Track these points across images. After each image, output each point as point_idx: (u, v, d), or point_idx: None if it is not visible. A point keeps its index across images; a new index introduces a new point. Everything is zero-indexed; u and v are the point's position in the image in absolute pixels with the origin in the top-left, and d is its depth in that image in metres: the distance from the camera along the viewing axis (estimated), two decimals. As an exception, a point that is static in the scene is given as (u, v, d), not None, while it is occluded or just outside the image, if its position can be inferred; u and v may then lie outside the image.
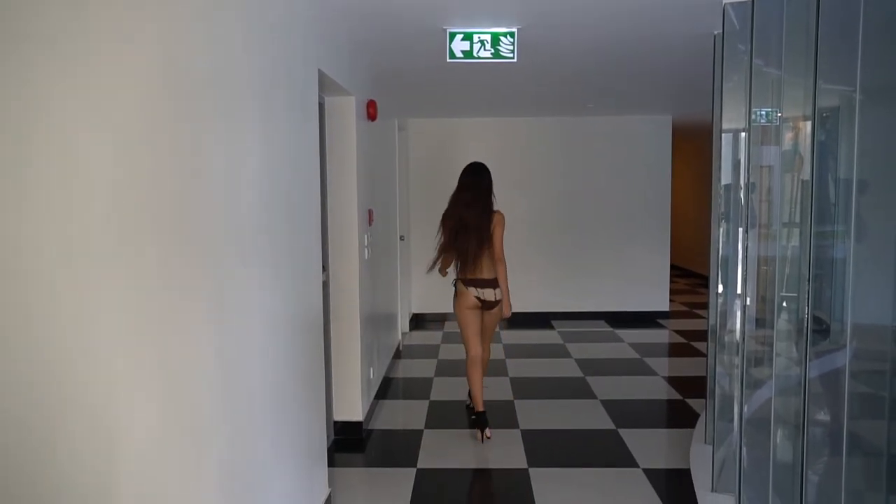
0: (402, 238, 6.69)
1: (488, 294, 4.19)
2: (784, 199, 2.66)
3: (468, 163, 4.36)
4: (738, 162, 3.19)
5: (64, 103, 1.20)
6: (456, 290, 4.27)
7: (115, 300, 1.35)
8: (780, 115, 2.60)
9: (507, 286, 4.25)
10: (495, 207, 4.21)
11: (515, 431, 4.16)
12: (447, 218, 4.19)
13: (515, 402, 4.76)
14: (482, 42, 3.63)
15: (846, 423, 2.09)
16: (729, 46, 3.07)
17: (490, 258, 4.16)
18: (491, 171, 4.35)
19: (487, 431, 4.03)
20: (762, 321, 2.83)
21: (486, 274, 4.17)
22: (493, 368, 5.70)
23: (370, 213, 4.54)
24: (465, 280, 4.19)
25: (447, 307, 7.55)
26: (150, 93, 1.50)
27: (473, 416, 4.18)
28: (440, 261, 4.27)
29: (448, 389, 5.14)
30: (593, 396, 4.85)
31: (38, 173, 1.15)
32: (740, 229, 3.04)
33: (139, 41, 1.46)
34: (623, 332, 7.04)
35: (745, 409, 2.74)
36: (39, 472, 1.17)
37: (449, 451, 3.94)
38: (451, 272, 4.36)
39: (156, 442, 1.51)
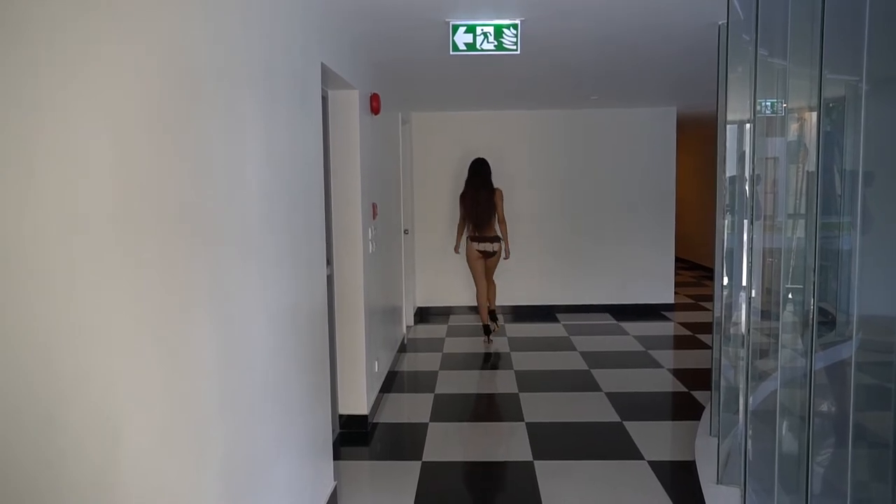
0: (406, 232, 6.69)
1: (488, 247, 6.25)
2: (789, 190, 2.64)
3: (474, 158, 6.45)
4: (743, 153, 3.17)
5: (65, 100, 1.20)
6: (468, 246, 6.31)
7: (116, 293, 1.36)
8: (785, 105, 2.58)
9: (507, 237, 6.37)
10: (495, 185, 6.38)
11: (520, 424, 4.17)
12: (465, 197, 6.33)
13: (520, 395, 4.76)
14: (485, 34, 3.61)
15: (852, 415, 2.08)
16: (733, 37, 3.05)
17: (492, 223, 6.25)
18: (495, 164, 6.59)
19: (491, 337, 6.36)
20: (767, 313, 2.82)
21: (488, 233, 6.23)
22: (499, 362, 5.71)
23: (374, 206, 4.53)
24: (474, 237, 6.26)
25: (452, 301, 7.65)
26: (152, 88, 1.50)
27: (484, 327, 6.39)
28: (459, 227, 6.48)
29: (453, 383, 5.15)
30: (598, 389, 4.85)
31: (38, 166, 1.15)
32: (745, 221, 3.03)
33: (140, 36, 1.45)
34: (628, 325, 7.04)
35: (751, 401, 2.74)
36: (40, 467, 1.17)
37: (454, 444, 3.96)
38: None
39: (157, 436, 1.51)
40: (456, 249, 6.63)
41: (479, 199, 6.19)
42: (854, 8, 1.98)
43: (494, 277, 6.65)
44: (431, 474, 3.49)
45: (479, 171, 6.29)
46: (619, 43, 4.21)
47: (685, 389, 4.88)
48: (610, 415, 4.31)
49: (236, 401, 1.95)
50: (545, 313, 7.63)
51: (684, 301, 8.33)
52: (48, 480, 1.19)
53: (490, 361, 5.84)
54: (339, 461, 3.64)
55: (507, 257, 6.41)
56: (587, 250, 7.72)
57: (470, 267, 6.40)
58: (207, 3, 1.81)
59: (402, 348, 6.14)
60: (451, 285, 7.67)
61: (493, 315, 6.52)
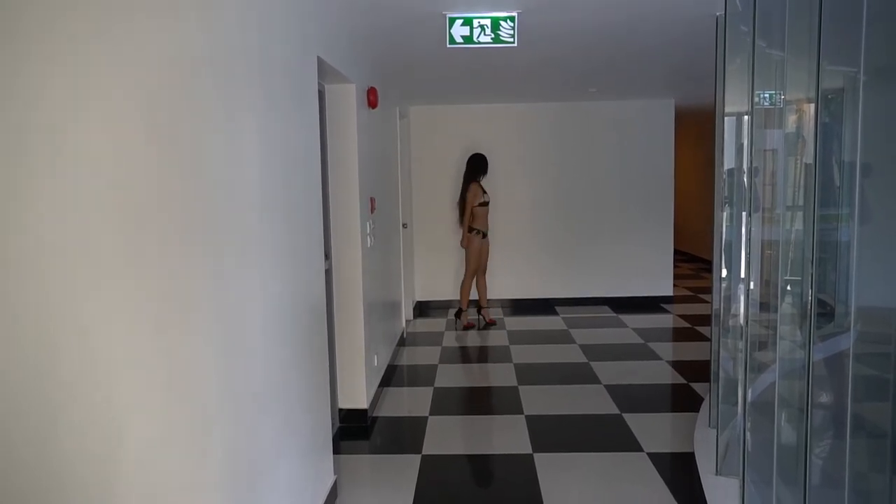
0: (404, 226, 6.69)
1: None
2: (788, 182, 2.64)
3: (476, 153, 6.80)
4: (742, 145, 3.17)
5: (63, 97, 1.20)
6: (478, 238, 6.74)
7: (116, 292, 1.35)
8: (783, 97, 2.57)
9: (464, 230, 6.70)
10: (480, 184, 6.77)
11: (520, 417, 4.18)
12: (478, 190, 6.73)
13: (520, 387, 4.77)
14: (482, 27, 3.60)
15: (850, 406, 2.08)
16: (731, 28, 3.03)
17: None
18: (493, 157, 7.05)
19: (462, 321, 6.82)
20: (766, 305, 2.82)
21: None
22: (498, 355, 5.72)
23: (372, 200, 4.53)
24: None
25: (451, 294, 7.64)
26: (149, 84, 1.49)
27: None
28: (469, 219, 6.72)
29: (452, 376, 5.15)
30: (597, 381, 4.86)
31: (38, 165, 1.15)
32: (744, 213, 3.02)
33: (136, 31, 1.45)
34: (627, 318, 7.05)
35: (749, 392, 2.74)
36: (43, 463, 1.17)
37: (453, 437, 3.96)
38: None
39: (159, 432, 1.51)
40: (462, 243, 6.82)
41: (464, 192, 6.68)
42: (852, -2, 1.97)
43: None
44: (431, 467, 3.50)
45: (481, 166, 6.68)
46: (616, 34, 4.19)
47: (684, 381, 4.89)
48: (609, 407, 4.32)
49: (237, 397, 1.96)
50: (544, 306, 7.63)
51: (683, 293, 8.34)
52: (51, 476, 1.19)
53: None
54: (339, 455, 3.65)
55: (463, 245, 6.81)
56: (586, 243, 7.71)
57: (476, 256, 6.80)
58: (203, -4, 1.80)
59: (402, 342, 6.14)
60: (450, 279, 7.67)
61: (460, 313, 6.90)
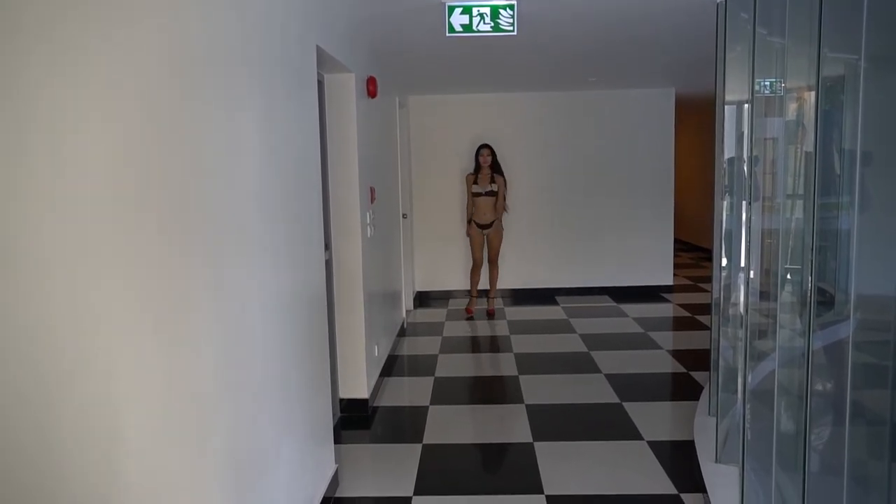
0: (404, 216, 6.68)
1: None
2: (788, 171, 2.63)
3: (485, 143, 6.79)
4: (742, 134, 3.16)
5: (62, 92, 1.19)
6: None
7: (116, 288, 1.36)
8: (783, 85, 2.56)
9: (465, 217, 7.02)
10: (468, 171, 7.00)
11: (520, 406, 4.20)
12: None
13: (520, 377, 4.79)
14: (481, 15, 3.58)
15: (849, 394, 2.09)
16: (732, 15, 3.02)
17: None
18: (494, 146, 6.88)
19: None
20: (766, 293, 2.82)
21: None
22: (499, 344, 5.74)
23: (372, 190, 4.52)
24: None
25: (451, 284, 7.66)
26: (146, 77, 1.48)
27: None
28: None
29: (453, 366, 5.17)
30: (598, 371, 4.88)
31: (36, 159, 1.14)
32: (744, 202, 3.02)
33: (133, 24, 1.44)
34: (627, 307, 7.06)
35: (749, 380, 2.75)
36: (44, 461, 1.18)
37: (454, 426, 3.98)
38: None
39: (159, 424, 1.52)
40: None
41: None
42: (853, -15, 1.95)
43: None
44: (432, 456, 3.51)
45: (475, 157, 6.79)
46: (616, 22, 4.17)
47: (684, 370, 4.90)
48: (609, 396, 4.34)
49: (237, 389, 1.96)
50: (545, 296, 7.64)
51: (683, 283, 8.35)
52: (52, 470, 1.19)
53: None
54: (341, 445, 3.67)
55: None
56: (586, 233, 7.71)
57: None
58: (200, -13, 1.78)
59: (402, 332, 6.16)
60: (451, 269, 7.68)
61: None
